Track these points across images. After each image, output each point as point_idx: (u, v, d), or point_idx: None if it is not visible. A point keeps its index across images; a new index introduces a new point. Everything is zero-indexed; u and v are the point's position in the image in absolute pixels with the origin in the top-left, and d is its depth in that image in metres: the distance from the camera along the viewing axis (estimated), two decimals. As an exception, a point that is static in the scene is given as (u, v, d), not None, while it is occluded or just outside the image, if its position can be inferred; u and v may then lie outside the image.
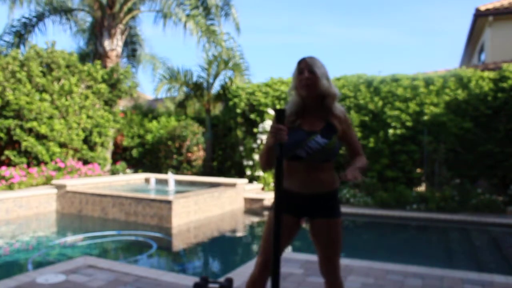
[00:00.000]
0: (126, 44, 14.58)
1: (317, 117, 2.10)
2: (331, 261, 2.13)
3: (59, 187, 7.92)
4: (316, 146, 2.02)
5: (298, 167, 2.07)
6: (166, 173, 10.30)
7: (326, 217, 2.10)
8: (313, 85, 2.02)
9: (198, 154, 11.05)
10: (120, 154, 12.19)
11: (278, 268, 1.76)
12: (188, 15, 11.28)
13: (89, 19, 13.88)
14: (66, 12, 12.50)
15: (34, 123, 8.81)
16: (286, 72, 21.52)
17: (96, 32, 11.85)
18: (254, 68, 44.53)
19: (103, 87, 10.37)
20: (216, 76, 11.79)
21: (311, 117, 2.10)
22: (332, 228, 2.11)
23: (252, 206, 8.27)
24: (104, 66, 11.30)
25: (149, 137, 11.69)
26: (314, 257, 3.17)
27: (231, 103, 10.91)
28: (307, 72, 2.03)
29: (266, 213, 7.86)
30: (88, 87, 10.35)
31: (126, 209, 7.04)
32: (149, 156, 11.83)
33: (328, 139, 2.04)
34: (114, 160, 11.70)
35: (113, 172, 10.91)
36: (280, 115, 1.79)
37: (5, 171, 7.90)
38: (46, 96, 9.25)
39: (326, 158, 2.07)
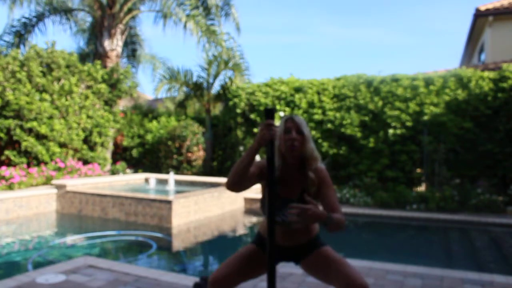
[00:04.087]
0: (126, 44, 14.58)
1: (295, 176, 1.99)
2: (348, 275, 1.85)
3: (59, 187, 7.92)
4: (292, 216, 1.78)
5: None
6: (166, 173, 10.30)
7: (313, 251, 2.02)
8: (300, 147, 1.92)
9: (198, 154, 11.05)
10: (120, 154, 12.19)
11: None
12: (188, 15, 11.28)
13: (89, 19, 13.89)
14: (66, 12, 12.50)
15: (34, 123, 8.81)
16: (286, 72, 21.53)
17: (96, 32, 11.86)
18: (254, 68, 44.59)
19: (103, 87, 10.37)
20: (216, 76, 11.79)
21: (289, 176, 1.98)
22: (325, 255, 1.99)
23: (252, 206, 8.27)
24: (104, 66, 11.30)
25: (149, 137, 11.69)
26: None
27: (231, 103, 10.91)
28: (295, 132, 1.92)
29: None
30: (88, 87, 10.35)
31: (126, 209, 7.04)
32: (149, 156, 11.84)
33: None
34: (114, 160, 11.71)
35: (113, 172, 10.91)
36: (269, 113, 1.75)
37: (5, 171, 7.90)
38: (46, 96, 9.25)
39: None
